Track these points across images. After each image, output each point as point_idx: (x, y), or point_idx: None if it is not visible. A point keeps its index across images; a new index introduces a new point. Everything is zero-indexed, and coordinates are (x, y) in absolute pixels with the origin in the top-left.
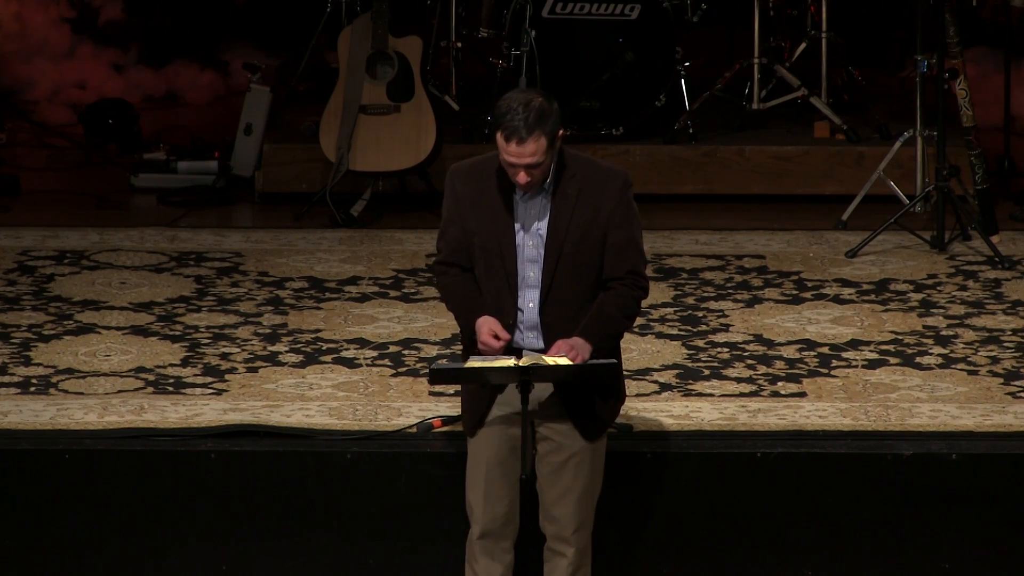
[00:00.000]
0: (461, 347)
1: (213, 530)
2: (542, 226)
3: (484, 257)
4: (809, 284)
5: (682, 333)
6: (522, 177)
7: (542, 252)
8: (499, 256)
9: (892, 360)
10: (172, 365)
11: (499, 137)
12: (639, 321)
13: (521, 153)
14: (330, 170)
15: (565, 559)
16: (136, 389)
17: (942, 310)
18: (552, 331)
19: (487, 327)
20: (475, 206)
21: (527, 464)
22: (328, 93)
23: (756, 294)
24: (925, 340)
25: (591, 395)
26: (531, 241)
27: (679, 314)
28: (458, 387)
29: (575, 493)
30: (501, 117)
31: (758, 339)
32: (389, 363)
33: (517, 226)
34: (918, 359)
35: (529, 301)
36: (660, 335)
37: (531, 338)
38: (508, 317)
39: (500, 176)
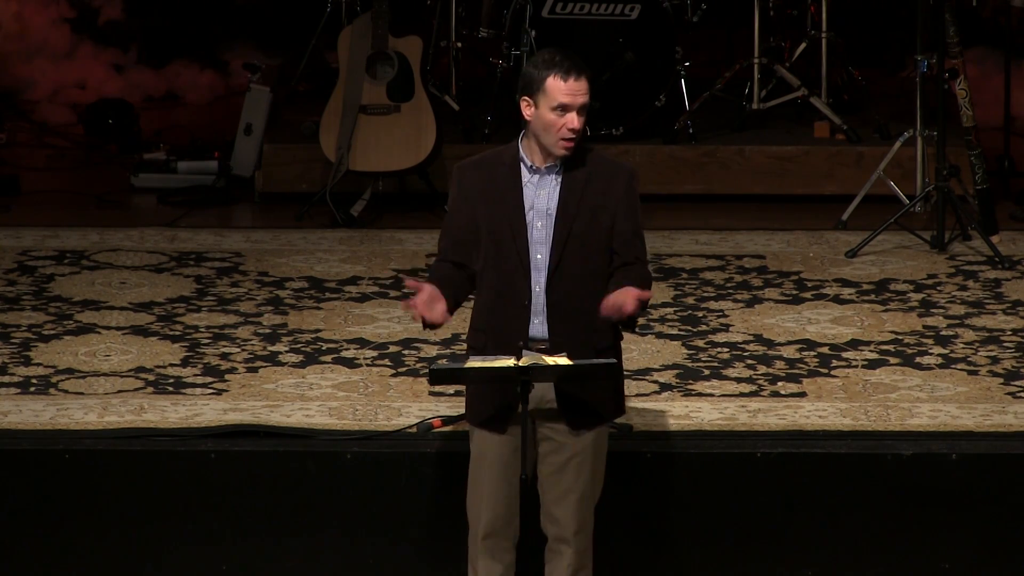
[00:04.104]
0: (466, 347)
1: (213, 530)
2: (552, 206)
3: (495, 243)
4: (809, 284)
5: (682, 333)
6: (575, 121)
7: (551, 232)
8: (511, 238)
9: (892, 360)
10: (172, 365)
11: (553, 80)
12: (639, 321)
13: (578, 90)
14: (330, 170)
15: (566, 560)
16: (136, 389)
17: (942, 310)
18: (557, 313)
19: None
20: (484, 194)
21: (527, 464)
22: (328, 93)
23: (756, 294)
24: (925, 340)
25: (588, 391)
26: (540, 222)
27: (679, 314)
28: (459, 387)
29: (576, 493)
30: (548, 63)
31: (758, 339)
32: (389, 363)
33: (528, 205)
34: (918, 359)
35: (536, 284)
36: (660, 335)
37: (536, 324)
38: (523, 298)
39: (509, 165)
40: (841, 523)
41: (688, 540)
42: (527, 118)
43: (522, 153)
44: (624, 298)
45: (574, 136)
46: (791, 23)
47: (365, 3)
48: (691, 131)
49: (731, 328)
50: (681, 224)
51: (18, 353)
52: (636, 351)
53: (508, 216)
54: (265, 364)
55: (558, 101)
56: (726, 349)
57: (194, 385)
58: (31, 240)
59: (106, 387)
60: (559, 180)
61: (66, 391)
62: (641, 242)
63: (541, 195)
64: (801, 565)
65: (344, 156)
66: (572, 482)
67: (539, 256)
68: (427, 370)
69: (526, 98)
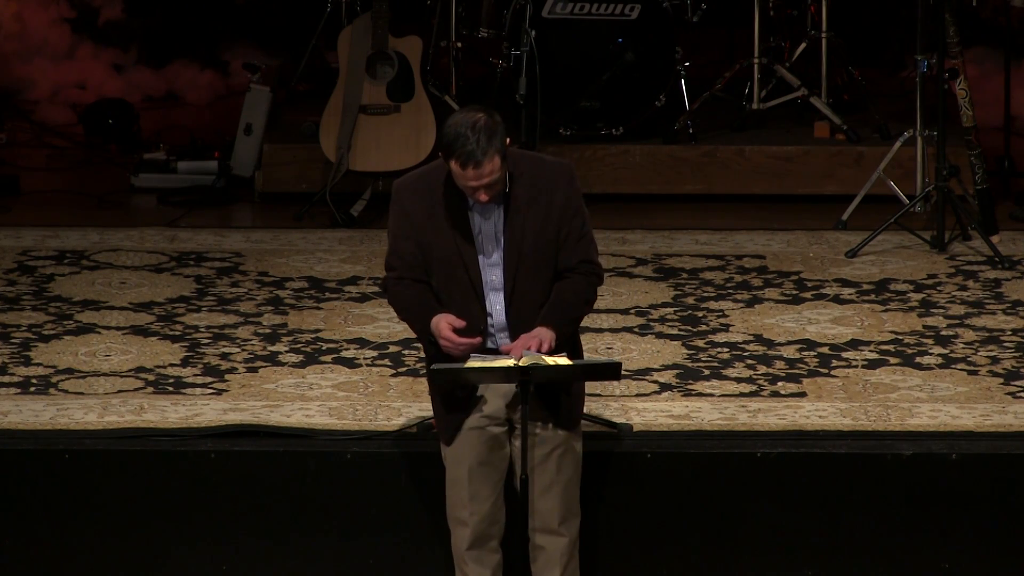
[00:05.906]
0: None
1: (213, 530)
2: (499, 229)
3: (444, 268)
4: (809, 284)
5: (682, 333)
6: (483, 196)
7: (502, 255)
8: (461, 264)
9: (892, 360)
10: (172, 365)
11: (454, 165)
12: (639, 321)
13: (480, 175)
14: (330, 170)
15: (556, 553)
16: (136, 389)
17: (942, 310)
18: (520, 331)
19: (444, 322)
20: (429, 218)
21: (526, 464)
22: (328, 93)
23: (756, 294)
24: (925, 340)
25: (557, 389)
26: (490, 245)
27: (679, 314)
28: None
29: (560, 484)
30: (452, 144)
31: (758, 339)
32: (389, 363)
33: (475, 231)
34: (918, 359)
35: (496, 304)
36: (660, 335)
37: (503, 339)
38: (478, 323)
39: (451, 184)
40: (841, 523)
41: (688, 540)
42: None
43: None
44: (529, 343)
45: (489, 201)
46: (791, 23)
47: (365, 3)
48: (691, 131)
49: (731, 328)
50: (681, 224)
51: (18, 353)
52: (636, 351)
53: (456, 240)
54: (265, 364)
55: (460, 183)
56: (726, 349)
57: (194, 385)
58: (31, 240)
59: (106, 387)
60: (501, 198)
61: (66, 391)
62: (587, 241)
63: (488, 216)
64: (801, 565)
65: (344, 156)
66: (555, 473)
67: (494, 278)
68: (427, 370)
69: (441, 154)
